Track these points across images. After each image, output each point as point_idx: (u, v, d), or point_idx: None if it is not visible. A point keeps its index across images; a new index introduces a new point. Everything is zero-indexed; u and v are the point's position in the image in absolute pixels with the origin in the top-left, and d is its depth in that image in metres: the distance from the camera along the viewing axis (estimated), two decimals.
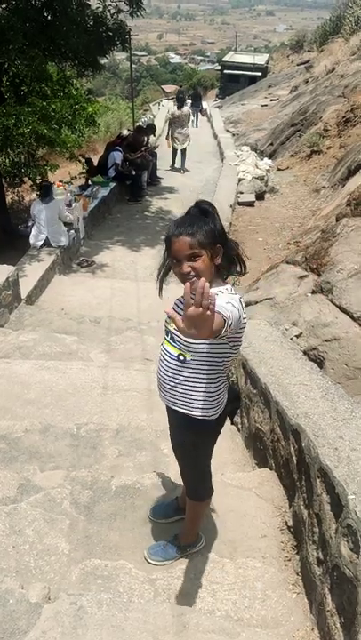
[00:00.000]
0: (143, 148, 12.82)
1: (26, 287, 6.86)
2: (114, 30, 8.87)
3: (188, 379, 2.24)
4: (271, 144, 15.57)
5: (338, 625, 2.12)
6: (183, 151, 14.63)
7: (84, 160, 12.75)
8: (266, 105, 22.58)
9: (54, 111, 10.60)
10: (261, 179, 12.43)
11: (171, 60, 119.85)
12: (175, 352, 2.24)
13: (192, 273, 2.09)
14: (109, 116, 22.52)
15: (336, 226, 5.97)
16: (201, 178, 14.31)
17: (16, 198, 13.24)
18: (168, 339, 2.29)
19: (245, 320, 2.16)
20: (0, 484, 3.11)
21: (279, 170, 13.32)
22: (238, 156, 14.42)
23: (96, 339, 5.91)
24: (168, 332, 2.29)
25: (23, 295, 6.70)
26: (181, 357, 2.23)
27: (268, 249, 8.90)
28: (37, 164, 13.14)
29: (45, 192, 8.24)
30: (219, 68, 47.99)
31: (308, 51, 29.53)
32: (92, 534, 2.82)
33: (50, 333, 5.87)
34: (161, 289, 2.31)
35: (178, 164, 14.99)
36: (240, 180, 12.43)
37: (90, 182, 11.75)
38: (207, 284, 1.57)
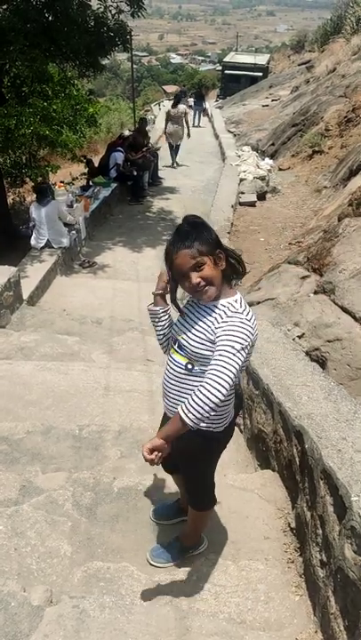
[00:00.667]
0: (144, 149, 12.81)
1: (27, 288, 6.85)
2: (115, 31, 8.85)
3: (192, 388, 2.13)
4: (272, 144, 15.56)
5: (342, 627, 2.11)
6: (177, 147, 15.16)
7: (85, 161, 12.76)
8: (267, 105, 22.58)
9: (55, 112, 10.61)
10: (263, 179, 12.41)
11: (172, 61, 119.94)
12: (183, 361, 2.22)
13: (202, 283, 2.10)
14: (110, 117, 22.55)
15: (338, 226, 5.95)
16: (202, 178, 14.31)
17: (17, 199, 13.24)
18: (176, 347, 2.27)
19: (256, 334, 2.12)
20: (2, 486, 3.11)
21: (281, 170, 13.31)
22: (240, 157, 14.42)
23: (98, 339, 5.90)
24: (176, 340, 2.27)
25: (25, 296, 6.69)
26: (189, 366, 2.21)
27: (270, 249, 8.88)
28: (38, 164, 13.15)
29: (42, 194, 8.21)
30: (220, 68, 48.06)
31: (310, 51, 29.51)
32: (94, 536, 2.81)
33: (51, 334, 5.86)
34: (179, 307, 2.30)
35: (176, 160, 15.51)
36: (241, 180, 12.41)
37: (91, 183, 11.75)
38: None
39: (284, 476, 3.06)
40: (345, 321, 4.65)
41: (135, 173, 12.18)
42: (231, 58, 45.61)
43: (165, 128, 14.95)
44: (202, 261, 2.09)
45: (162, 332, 2.47)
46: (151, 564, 2.66)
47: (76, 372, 4.86)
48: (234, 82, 39.44)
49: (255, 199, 11.47)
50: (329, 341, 4.53)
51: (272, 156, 14.65)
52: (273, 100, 22.96)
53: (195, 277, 2.10)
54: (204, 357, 2.14)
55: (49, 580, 2.56)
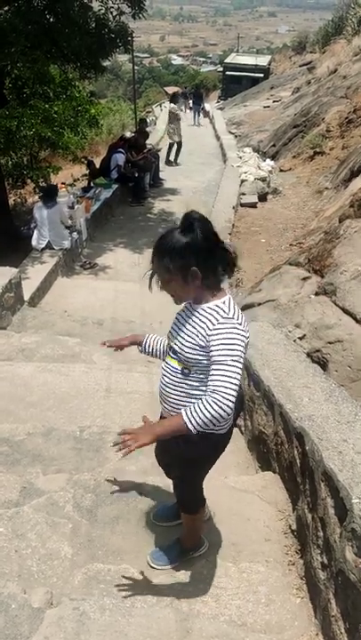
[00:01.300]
0: (145, 150, 12.82)
1: (28, 289, 6.85)
2: (116, 32, 8.87)
3: (191, 390, 2.19)
4: (274, 145, 15.56)
5: (343, 630, 2.10)
6: (173, 145, 15.54)
7: (86, 162, 12.77)
8: (268, 106, 22.59)
9: (57, 113, 10.61)
10: (264, 180, 12.42)
11: (173, 62, 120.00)
12: (179, 366, 2.22)
13: (170, 293, 2.17)
14: (111, 118, 22.56)
15: (339, 227, 5.94)
16: (203, 179, 14.32)
17: (19, 200, 13.25)
18: (171, 353, 2.27)
19: (248, 337, 2.13)
20: (2, 488, 3.10)
21: (282, 171, 13.31)
22: (241, 158, 14.43)
23: (99, 341, 5.88)
24: (170, 347, 2.27)
25: (26, 297, 6.69)
26: (185, 371, 2.20)
27: (271, 250, 8.88)
28: (40, 166, 13.16)
29: (49, 196, 8.23)
30: (221, 69, 48.09)
31: (311, 52, 29.55)
32: (94, 538, 2.80)
33: (53, 335, 5.86)
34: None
35: (172, 158, 15.82)
36: (242, 181, 12.42)
37: (92, 184, 11.76)
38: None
39: (284, 477, 3.06)
40: (346, 322, 4.64)
41: (136, 175, 12.20)
42: (232, 59, 45.68)
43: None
44: (169, 279, 2.11)
45: (159, 355, 2.50)
46: (151, 567, 2.66)
47: (77, 374, 4.86)
48: (235, 83, 39.50)
49: (256, 200, 11.47)
50: (330, 343, 4.52)
51: (273, 158, 14.65)
52: (274, 102, 22.98)
53: (165, 289, 2.16)
54: (198, 362, 2.14)
55: (49, 581, 2.55)
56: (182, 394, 2.23)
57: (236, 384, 2.02)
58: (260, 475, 3.35)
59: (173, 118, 14.99)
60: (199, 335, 2.11)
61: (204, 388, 2.13)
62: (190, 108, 25.72)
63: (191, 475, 2.47)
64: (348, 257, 5.30)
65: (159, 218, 11.47)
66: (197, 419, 2.00)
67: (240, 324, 2.10)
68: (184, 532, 2.70)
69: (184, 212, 2.19)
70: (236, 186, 12.09)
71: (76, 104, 11.72)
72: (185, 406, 2.11)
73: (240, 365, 2.04)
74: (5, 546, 2.68)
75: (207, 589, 2.51)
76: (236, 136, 19.29)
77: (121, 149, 12.24)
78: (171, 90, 21.30)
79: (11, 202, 11.95)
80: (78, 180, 13.14)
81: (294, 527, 2.79)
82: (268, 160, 14.18)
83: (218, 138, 19.58)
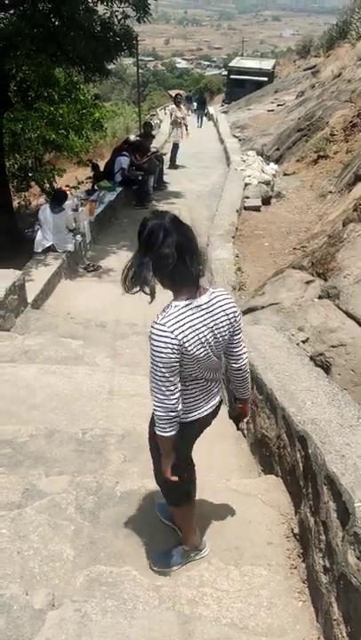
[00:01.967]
0: (150, 153, 12.84)
1: (32, 291, 6.87)
2: (121, 36, 8.89)
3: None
4: (277, 149, 15.57)
5: (344, 634, 2.10)
6: (176, 146, 15.48)
7: (91, 165, 12.81)
8: (272, 110, 22.60)
9: (62, 116, 10.65)
10: (268, 183, 12.42)
11: (177, 65, 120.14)
12: None
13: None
14: (116, 122, 22.62)
15: (343, 231, 5.94)
16: (207, 183, 14.33)
17: (23, 203, 13.29)
18: None
19: (187, 342, 2.18)
20: (5, 489, 3.11)
21: (285, 175, 13.31)
22: (244, 161, 14.42)
23: (102, 343, 5.91)
24: None
25: (29, 299, 6.70)
26: None
27: (275, 254, 8.87)
28: (44, 168, 13.20)
29: (57, 201, 8.23)
30: (225, 73, 48.15)
31: (315, 56, 29.55)
32: (96, 540, 2.81)
33: (56, 338, 5.87)
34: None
35: (178, 161, 15.78)
36: (246, 184, 12.41)
37: (96, 187, 11.78)
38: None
39: (287, 481, 3.06)
40: (349, 326, 4.64)
41: (140, 178, 12.21)
42: (237, 63, 45.71)
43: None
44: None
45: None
46: (152, 569, 2.66)
47: (79, 376, 4.87)
48: (239, 86, 39.49)
49: (260, 204, 11.47)
50: (333, 346, 4.52)
51: (277, 161, 14.65)
52: (278, 105, 22.99)
53: None
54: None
55: (51, 583, 2.56)
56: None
57: (158, 393, 2.21)
58: (262, 478, 3.35)
59: (173, 119, 15.01)
60: None
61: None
62: (194, 111, 25.94)
63: (159, 464, 2.51)
64: (351, 260, 5.30)
65: None
66: (163, 427, 2.27)
67: (155, 332, 2.20)
68: (182, 533, 2.71)
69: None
70: (239, 189, 12.09)
71: (80, 107, 11.77)
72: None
73: (159, 372, 2.17)
74: (8, 547, 2.68)
75: (209, 592, 2.51)
76: (239, 140, 19.29)
77: (125, 152, 12.26)
78: (174, 93, 21.37)
79: (15, 204, 11.98)
80: (83, 182, 13.17)
81: (297, 531, 2.79)
82: (271, 164, 14.18)
83: (222, 141, 19.59)
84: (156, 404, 2.24)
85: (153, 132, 15.77)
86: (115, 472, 3.49)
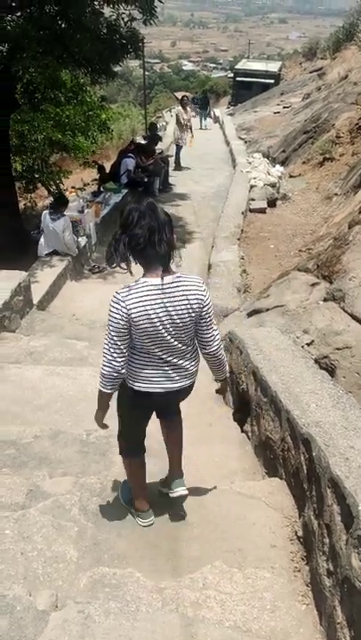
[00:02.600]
0: (155, 155, 12.86)
1: (38, 293, 6.89)
2: (127, 38, 8.91)
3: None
4: (283, 151, 15.56)
5: (348, 638, 2.09)
6: (180, 147, 15.50)
7: (96, 166, 12.84)
8: (278, 112, 22.59)
9: (68, 118, 10.69)
10: (273, 185, 12.41)
11: (184, 68, 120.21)
12: None
13: None
14: (122, 123, 22.68)
15: (348, 233, 5.93)
16: (213, 184, 14.34)
17: (29, 204, 13.33)
18: None
19: (131, 311, 2.48)
20: (9, 490, 3.12)
21: (291, 177, 13.30)
22: (250, 163, 14.42)
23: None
24: None
25: (35, 301, 6.73)
26: None
27: (280, 256, 8.87)
28: (50, 170, 13.24)
29: (55, 208, 8.17)
30: (231, 75, 48.15)
31: (321, 58, 29.53)
32: (100, 542, 2.81)
33: (61, 339, 5.88)
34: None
35: (182, 163, 15.81)
36: (252, 186, 12.41)
37: (102, 189, 11.80)
38: None
39: (291, 483, 3.05)
40: (355, 328, 4.63)
41: (146, 179, 12.22)
42: (243, 65, 45.72)
43: None
44: None
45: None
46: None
47: (84, 377, 4.87)
48: (245, 89, 39.48)
49: (266, 206, 11.47)
50: (338, 349, 4.51)
51: (283, 163, 14.64)
52: (284, 107, 22.98)
53: None
54: None
55: (55, 584, 2.56)
56: None
57: (106, 353, 2.56)
58: (266, 481, 3.34)
59: (179, 122, 15.01)
60: None
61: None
62: (197, 112, 26.02)
63: (119, 415, 2.90)
64: (357, 263, 5.29)
65: None
66: (106, 382, 2.65)
67: (113, 298, 2.53)
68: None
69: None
70: (245, 191, 12.09)
71: (86, 109, 11.80)
72: None
73: (109, 337, 2.54)
74: (11, 548, 2.69)
75: (212, 595, 2.50)
76: (245, 142, 19.29)
77: (131, 154, 12.28)
78: (180, 95, 21.39)
79: (21, 206, 12.03)
80: (88, 184, 13.20)
81: (300, 534, 2.78)
82: (277, 166, 14.17)
83: (227, 143, 19.59)
84: (104, 362, 2.58)
85: (159, 134, 15.77)
86: (119, 473, 3.49)
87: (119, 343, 2.52)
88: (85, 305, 7.32)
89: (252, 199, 11.73)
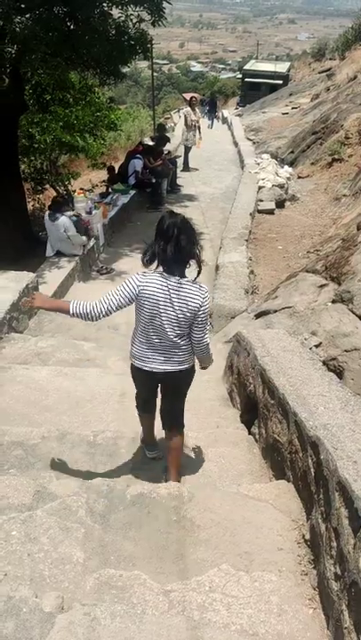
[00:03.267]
0: (163, 156, 12.86)
1: (45, 293, 6.89)
2: (136, 39, 8.92)
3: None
4: (292, 152, 15.52)
5: None
6: (189, 149, 15.47)
7: (107, 168, 12.89)
8: (287, 113, 22.55)
9: (76, 119, 10.72)
10: (282, 187, 12.38)
11: (192, 69, 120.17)
12: None
13: None
14: (130, 124, 22.72)
15: (357, 234, 5.91)
16: (221, 186, 14.33)
17: (37, 205, 13.39)
18: None
19: (143, 290, 3.03)
20: (16, 491, 3.12)
21: (300, 178, 13.27)
22: (259, 164, 14.40)
23: (114, 346, 5.92)
24: None
25: None
26: None
27: (288, 257, 8.85)
28: (59, 171, 13.29)
29: (54, 209, 8.14)
30: (240, 76, 48.14)
31: (330, 59, 29.47)
32: (107, 543, 2.80)
33: (68, 340, 5.89)
34: None
35: (191, 164, 15.75)
36: (260, 187, 12.39)
37: (110, 190, 11.82)
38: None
39: (298, 486, 3.03)
40: None
41: (154, 180, 12.23)
42: (251, 66, 45.71)
43: None
44: None
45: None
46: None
47: (91, 378, 4.88)
48: (254, 90, 39.47)
49: (274, 207, 11.44)
50: (346, 351, 4.49)
51: (291, 164, 14.61)
52: (293, 108, 22.93)
53: None
54: None
55: (61, 586, 2.55)
56: None
57: (105, 295, 3.10)
58: (273, 483, 3.32)
59: (188, 122, 14.99)
60: None
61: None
62: (205, 114, 26.16)
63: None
64: None
65: None
66: (79, 308, 3.09)
67: (138, 275, 3.07)
68: None
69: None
70: (253, 192, 12.07)
71: (95, 110, 11.83)
72: None
73: (116, 289, 3.10)
74: (18, 549, 2.69)
75: (219, 598, 2.49)
76: (254, 143, 19.26)
77: (139, 155, 12.29)
78: (188, 96, 21.32)
79: (30, 207, 12.07)
80: (97, 185, 13.24)
81: (308, 537, 2.76)
82: (286, 167, 14.14)
83: (236, 144, 19.58)
84: (101, 298, 3.11)
85: (166, 135, 15.75)
86: (126, 475, 3.49)
87: (114, 299, 3.06)
88: None
89: (261, 200, 11.71)
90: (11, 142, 9.38)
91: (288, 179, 12.94)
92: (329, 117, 14.59)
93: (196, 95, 17.48)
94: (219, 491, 3.22)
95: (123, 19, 8.78)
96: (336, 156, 12.58)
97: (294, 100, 25.29)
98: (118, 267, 8.91)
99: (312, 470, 2.74)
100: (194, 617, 2.37)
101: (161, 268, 3.04)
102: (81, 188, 11.11)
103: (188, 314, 3.04)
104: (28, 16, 8.32)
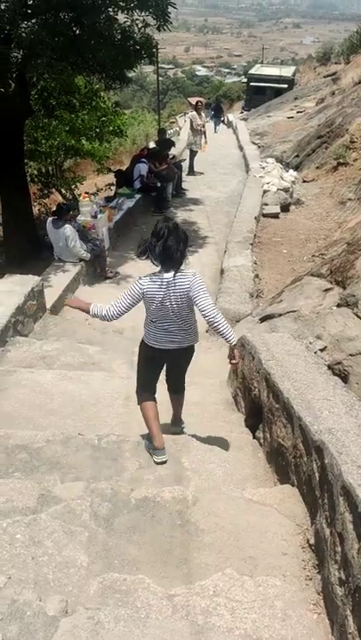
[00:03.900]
0: (168, 160, 12.88)
1: (51, 297, 6.92)
2: (141, 44, 8.93)
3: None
4: (297, 156, 15.52)
5: None
6: (195, 153, 15.46)
7: (114, 172, 12.94)
8: (292, 117, 22.54)
9: (82, 123, 10.75)
10: (287, 190, 12.38)
11: (197, 73, 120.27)
12: None
13: None
14: (135, 129, 22.79)
15: None
16: (226, 190, 14.34)
17: (43, 210, 13.43)
18: None
19: (147, 291, 3.59)
20: (20, 495, 3.12)
21: (305, 182, 13.26)
22: (263, 168, 14.40)
23: (119, 349, 5.92)
24: None
25: (48, 305, 6.76)
26: None
27: (293, 261, 8.84)
28: (65, 175, 13.33)
29: (58, 217, 8.09)
30: (245, 80, 48.21)
31: (335, 63, 29.49)
32: (111, 547, 2.80)
33: (73, 343, 5.90)
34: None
35: (196, 168, 15.74)
36: (265, 191, 12.39)
37: (116, 194, 11.85)
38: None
39: (303, 491, 3.03)
40: None
41: (159, 184, 12.25)
42: (257, 70, 45.76)
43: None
44: None
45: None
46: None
47: (96, 382, 4.89)
48: (259, 94, 39.51)
49: (279, 211, 11.44)
50: (352, 355, 4.48)
51: (296, 168, 14.60)
52: (298, 112, 22.93)
53: None
54: None
55: (65, 590, 2.55)
56: None
57: (116, 300, 3.69)
58: (278, 488, 3.32)
59: (193, 127, 15.02)
60: None
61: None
62: (211, 118, 26.25)
63: (137, 369, 3.97)
64: None
65: None
66: (97, 310, 3.72)
67: (139, 281, 3.64)
68: None
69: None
70: (258, 196, 12.07)
71: (100, 114, 11.87)
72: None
73: (124, 295, 3.67)
74: (22, 552, 2.69)
75: (223, 602, 2.48)
76: (259, 147, 19.27)
77: (144, 159, 12.32)
78: (193, 100, 21.44)
79: (35, 211, 12.10)
80: (102, 189, 13.27)
81: (312, 541, 2.76)
82: (291, 171, 14.14)
83: (241, 148, 19.59)
84: (109, 306, 3.69)
85: (172, 139, 15.78)
86: (130, 479, 3.49)
87: (124, 303, 3.65)
88: None
89: (266, 204, 11.71)
90: (16, 146, 9.41)
91: (293, 182, 12.94)
92: (334, 121, 14.58)
93: (201, 99, 17.46)
94: (223, 495, 3.22)
95: (128, 23, 8.79)
96: (341, 160, 12.57)
97: (299, 103, 25.29)
98: (123, 270, 8.92)
99: (317, 475, 2.74)
100: (198, 621, 2.36)
101: (165, 268, 3.56)
102: (86, 192, 11.14)
103: (185, 297, 3.57)
104: (34, 21, 8.36)
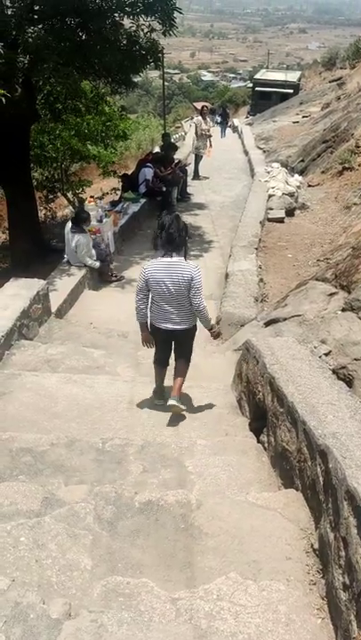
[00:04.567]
0: (174, 164, 12.91)
1: (56, 301, 6.94)
2: (147, 49, 8.97)
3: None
4: (302, 160, 15.53)
5: None
6: (200, 157, 15.60)
7: (120, 177, 12.98)
8: (297, 122, 22.56)
9: (88, 128, 10.78)
10: (292, 195, 12.38)
11: (203, 78, 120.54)
12: None
13: None
14: (141, 133, 22.85)
15: None
16: (231, 194, 14.36)
17: (49, 214, 13.47)
18: None
19: (147, 274, 4.28)
20: (25, 498, 3.12)
21: (310, 186, 13.27)
22: (269, 173, 14.41)
23: (123, 353, 5.93)
24: None
25: (53, 309, 6.77)
26: None
27: (298, 265, 8.83)
28: (71, 180, 13.37)
29: (77, 222, 8.16)
30: (251, 85, 48.26)
31: (341, 68, 29.50)
32: (114, 550, 2.80)
33: (78, 347, 5.91)
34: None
35: (201, 173, 15.91)
36: (270, 196, 12.39)
37: (121, 198, 11.89)
38: None
39: (307, 495, 3.02)
40: None
41: (164, 189, 12.27)
42: (262, 75, 45.77)
43: None
44: None
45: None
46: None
47: (101, 386, 4.89)
48: (264, 99, 39.50)
49: (284, 215, 11.43)
50: (356, 359, 4.47)
51: (301, 173, 14.61)
52: (303, 117, 22.94)
53: None
54: None
55: (68, 593, 2.55)
56: None
57: (137, 298, 4.40)
58: (282, 492, 3.31)
59: (199, 132, 15.06)
60: None
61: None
62: (218, 123, 26.34)
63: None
64: None
65: None
66: (136, 312, 4.49)
67: (143, 267, 4.37)
68: None
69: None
70: (263, 201, 12.08)
71: (106, 119, 11.92)
72: None
73: (137, 289, 4.40)
74: (26, 555, 2.69)
75: (226, 606, 2.48)
76: (264, 151, 19.29)
77: (149, 164, 12.35)
78: (199, 105, 21.37)
79: (41, 215, 12.15)
80: (108, 193, 13.31)
81: (316, 546, 2.75)
82: (296, 175, 14.14)
83: (246, 153, 19.62)
84: (135, 302, 4.40)
85: (176, 143, 15.82)
86: (134, 482, 3.49)
87: (141, 294, 4.34)
88: (103, 313, 7.35)
89: (271, 208, 11.71)
90: (23, 151, 9.46)
91: (298, 187, 12.94)
92: (339, 126, 14.59)
93: (207, 105, 17.52)
94: (227, 499, 3.21)
95: (134, 29, 8.84)
96: (346, 165, 12.57)
97: (305, 108, 25.30)
98: (128, 274, 8.93)
99: (321, 479, 2.73)
100: (201, 625, 2.36)
101: (165, 253, 4.26)
102: (91, 196, 11.17)
103: (185, 282, 4.21)
104: (40, 26, 8.42)
